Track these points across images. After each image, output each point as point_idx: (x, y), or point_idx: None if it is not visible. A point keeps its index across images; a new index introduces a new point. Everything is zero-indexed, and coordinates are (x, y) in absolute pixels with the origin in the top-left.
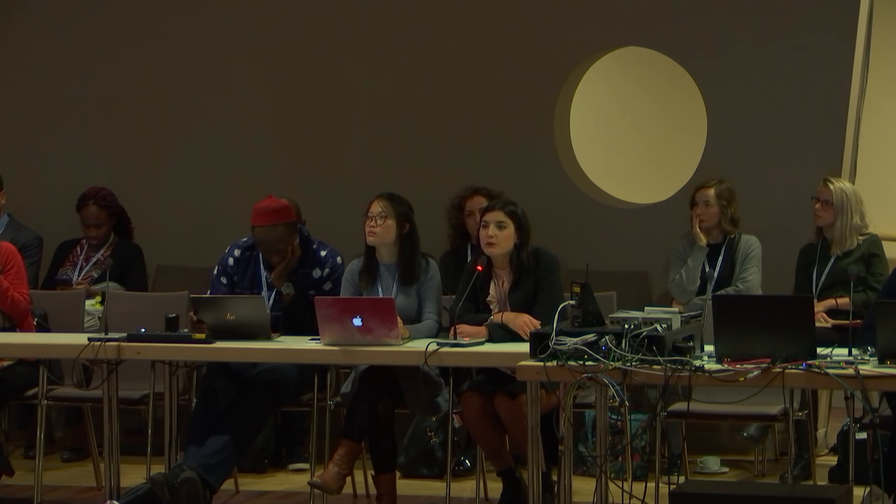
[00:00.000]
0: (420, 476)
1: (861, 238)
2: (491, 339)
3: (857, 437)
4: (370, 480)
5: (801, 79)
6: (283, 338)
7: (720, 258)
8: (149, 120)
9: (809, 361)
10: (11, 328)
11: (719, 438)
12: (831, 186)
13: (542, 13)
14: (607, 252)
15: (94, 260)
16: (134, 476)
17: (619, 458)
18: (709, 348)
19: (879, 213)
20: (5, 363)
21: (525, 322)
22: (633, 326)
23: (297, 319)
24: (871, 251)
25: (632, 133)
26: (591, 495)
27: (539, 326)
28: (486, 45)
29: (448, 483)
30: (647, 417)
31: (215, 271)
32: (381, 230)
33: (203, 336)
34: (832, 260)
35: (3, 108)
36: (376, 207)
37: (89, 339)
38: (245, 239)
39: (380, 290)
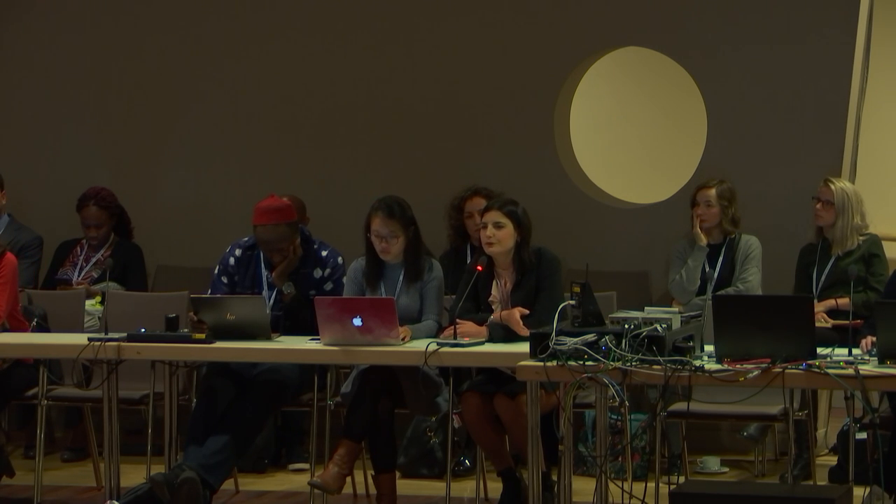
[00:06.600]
0: (420, 476)
1: (861, 238)
2: (491, 339)
3: (857, 437)
4: (370, 480)
5: (801, 79)
6: (283, 338)
7: (720, 258)
8: (149, 120)
9: (809, 361)
10: None
11: (719, 438)
12: (832, 186)
13: (541, 13)
14: (607, 252)
15: (94, 260)
16: (134, 476)
17: (619, 458)
18: (709, 348)
19: (879, 213)
20: (4, 365)
21: (515, 316)
22: (633, 326)
23: (297, 319)
24: (872, 251)
25: (632, 133)
26: (591, 495)
27: (527, 312)
28: (486, 45)
29: (448, 483)
30: (647, 417)
31: (216, 271)
32: (396, 249)
33: (203, 336)
34: (832, 260)
35: (4, 108)
36: (383, 228)
37: (89, 339)
38: (246, 238)
39: (383, 288)
